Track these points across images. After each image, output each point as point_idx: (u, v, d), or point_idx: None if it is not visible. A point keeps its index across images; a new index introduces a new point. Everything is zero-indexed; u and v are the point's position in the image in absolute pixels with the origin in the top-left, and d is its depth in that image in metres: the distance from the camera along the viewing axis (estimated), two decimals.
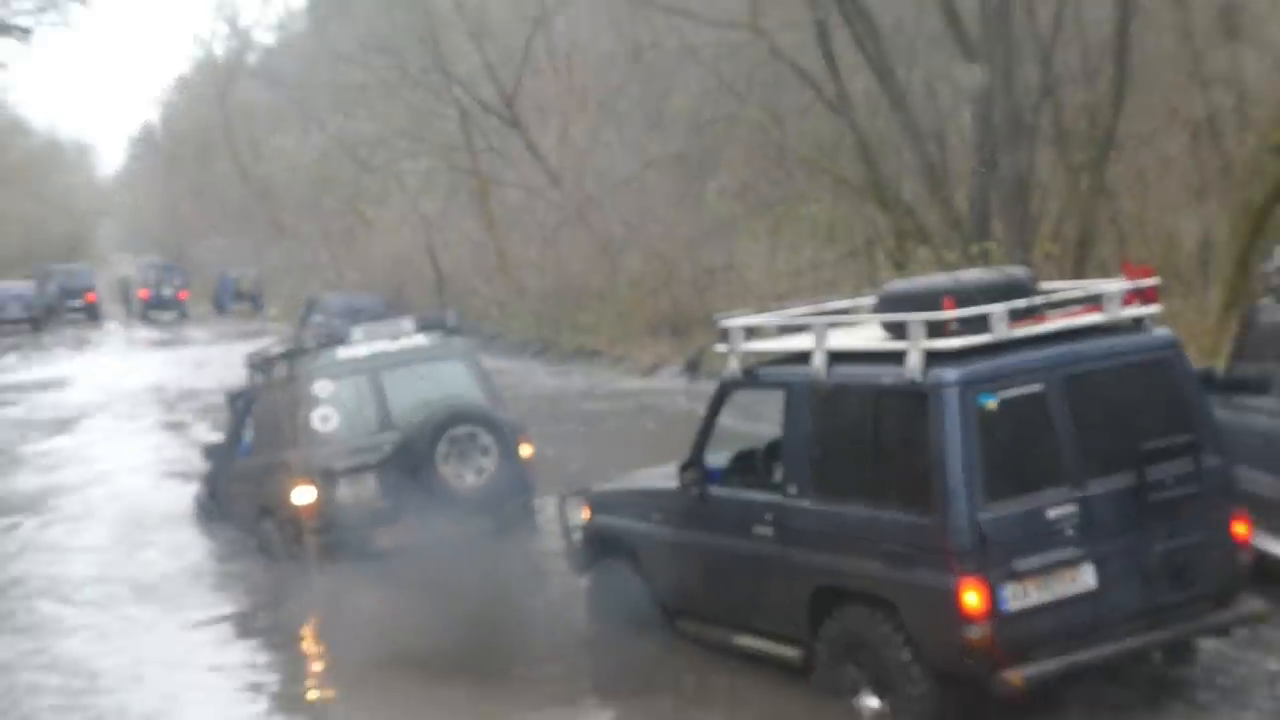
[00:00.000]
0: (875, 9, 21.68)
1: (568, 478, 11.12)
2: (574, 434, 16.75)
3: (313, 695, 9.88)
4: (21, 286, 51.14)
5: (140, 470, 18.92)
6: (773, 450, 8.36)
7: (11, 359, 37.96)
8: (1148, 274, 8.00)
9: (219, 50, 55.58)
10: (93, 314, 53.42)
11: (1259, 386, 9.33)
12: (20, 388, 31.39)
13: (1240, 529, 7.50)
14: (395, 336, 12.48)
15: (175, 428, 22.57)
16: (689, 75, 27.41)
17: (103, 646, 10.65)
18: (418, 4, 32.93)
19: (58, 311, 51.97)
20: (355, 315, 32.32)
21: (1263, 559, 8.27)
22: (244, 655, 10.70)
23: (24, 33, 25.48)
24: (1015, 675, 6.84)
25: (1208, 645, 7.82)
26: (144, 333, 47.95)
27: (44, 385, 32.12)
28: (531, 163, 31.10)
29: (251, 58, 54.73)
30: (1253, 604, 7.70)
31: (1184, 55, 19.17)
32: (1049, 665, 6.93)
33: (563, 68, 32.24)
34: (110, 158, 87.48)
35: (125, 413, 26.17)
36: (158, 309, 54.01)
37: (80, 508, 16.63)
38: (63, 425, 25.32)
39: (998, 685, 6.86)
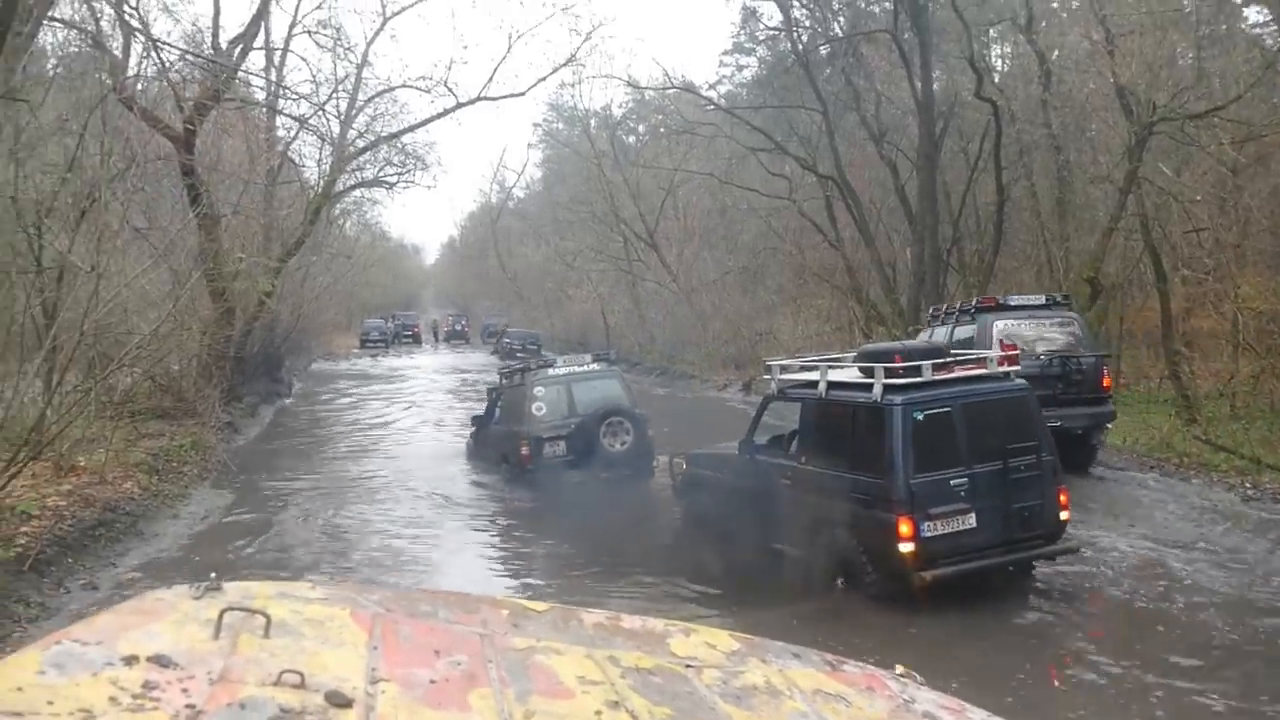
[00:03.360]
0: (859, 191, 21.55)
1: (673, 445, 11.05)
2: (677, 421, 16.67)
3: (520, 554, 9.83)
4: (381, 323, 52.38)
5: (436, 424, 19.10)
6: (792, 436, 8.29)
7: (369, 359, 39.95)
8: (1014, 349, 7.84)
9: (492, 198, 56.46)
10: (416, 340, 54.00)
11: None
12: (381, 373, 32.43)
13: (1063, 498, 7.27)
14: (581, 364, 12.59)
15: (455, 403, 22.76)
16: (751, 224, 27.51)
17: (417, 521, 10.88)
18: (601, 178, 33.32)
19: (399, 337, 53.13)
20: (525, 340, 32.49)
21: None
22: (490, 529, 10.76)
23: (389, 186, 26.25)
24: (928, 574, 6.73)
25: (1040, 565, 7.58)
26: (443, 349, 49.09)
27: (392, 371, 33.59)
28: (661, 268, 31.16)
29: (510, 203, 55.59)
30: (1069, 543, 7.48)
31: (1034, 224, 18.72)
32: (947, 570, 6.79)
33: (681, 216, 32.37)
34: (430, 254, 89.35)
35: (429, 387, 26.64)
36: (452, 338, 54.87)
37: (402, 445, 16.85)
38: (396, 390, 26.23)
39: (917, 580, 6.74)
